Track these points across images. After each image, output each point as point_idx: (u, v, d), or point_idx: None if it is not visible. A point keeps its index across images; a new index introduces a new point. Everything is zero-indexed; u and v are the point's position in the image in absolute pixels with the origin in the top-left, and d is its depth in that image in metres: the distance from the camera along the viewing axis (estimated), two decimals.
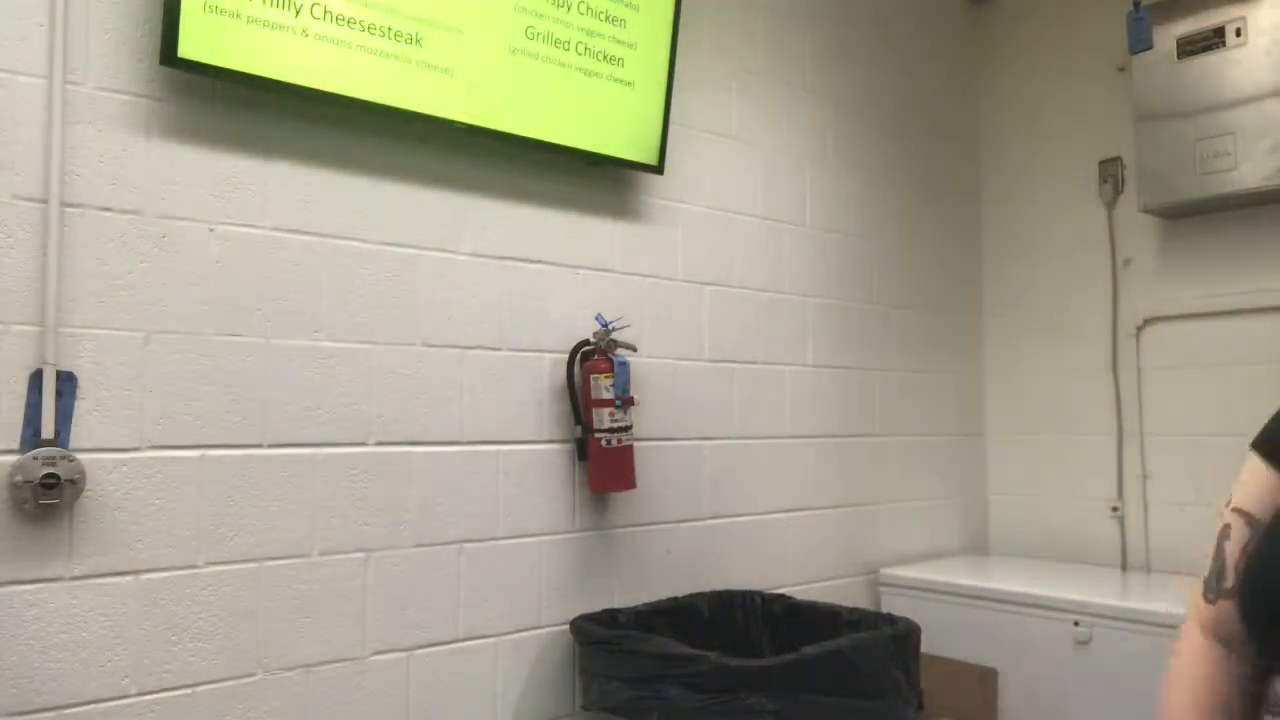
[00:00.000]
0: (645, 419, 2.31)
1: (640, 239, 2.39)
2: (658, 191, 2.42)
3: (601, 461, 2.18)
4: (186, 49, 1.64)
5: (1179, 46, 2.71)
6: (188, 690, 1.67)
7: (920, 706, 2.01)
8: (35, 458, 1.52)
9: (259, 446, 1.77)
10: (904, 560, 2.93)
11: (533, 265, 2.18)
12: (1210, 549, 1.02)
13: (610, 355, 2.19)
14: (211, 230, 1.74)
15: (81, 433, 1.58)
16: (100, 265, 1.62)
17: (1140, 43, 2.78)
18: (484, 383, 2.08)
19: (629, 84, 2.27)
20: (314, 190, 1.86)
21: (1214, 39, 2.65)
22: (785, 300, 2.71)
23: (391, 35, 1.87)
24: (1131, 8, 2.80)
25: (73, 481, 1.55)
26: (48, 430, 1.54)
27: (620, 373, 2.17)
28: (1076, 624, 2.43)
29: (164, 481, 1.67)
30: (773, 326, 2.68)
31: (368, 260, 1.93)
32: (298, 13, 1.76)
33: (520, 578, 2.11)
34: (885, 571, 2.87)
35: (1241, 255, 2.75)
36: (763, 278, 2.66)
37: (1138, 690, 2.31)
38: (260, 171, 1.80)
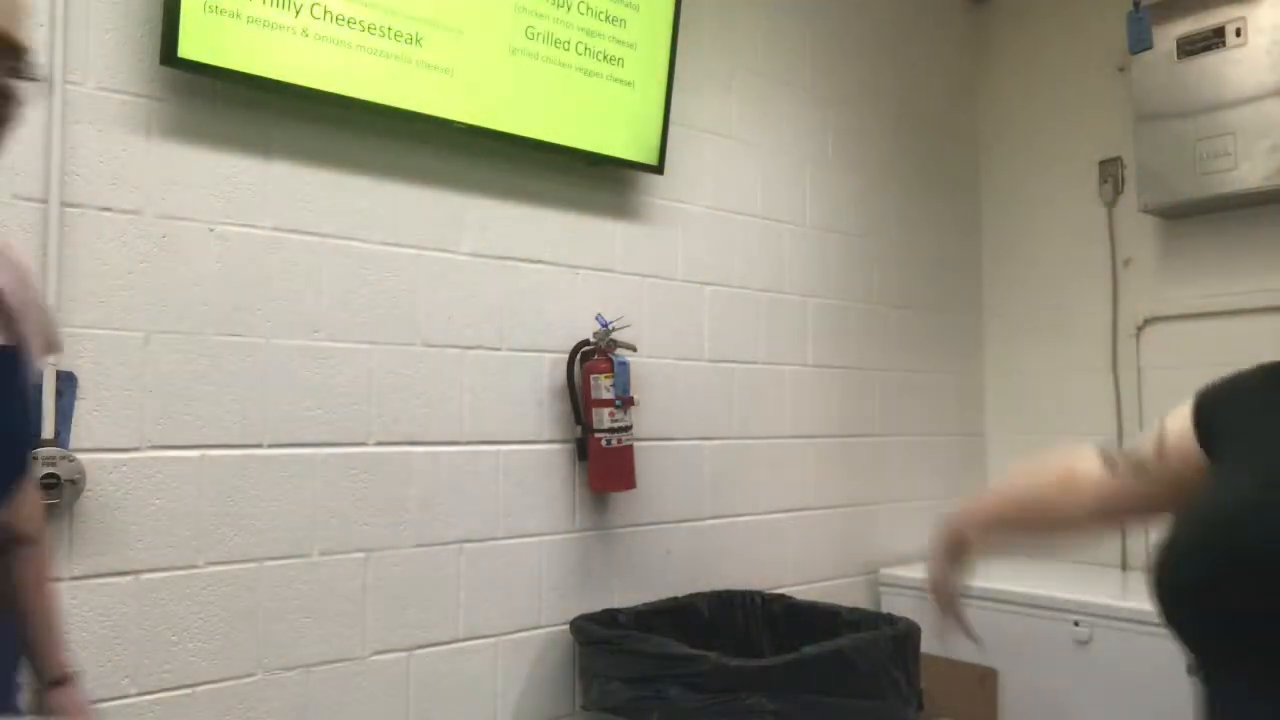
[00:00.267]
0: (645, 419, 2.31)
1: (640, 239, 2.39)
2: (658, 191, 2.42)
3: (601, 461, 2.18)
4: (186, 49, 1.64)
5: (1179, 46, 2.71)
6: (188, 690, 1.67)
7: (920, 706, 2.01)
8: (35, 458, 1.51)
9: (259, 446, 1.77)
10: (904, 560, 2.93)
11: (533, 265, 2.18)
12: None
13: (610, 355, 2.19)
14: (211, 230, 1.74)
15: (81, 433, 1.58)
16: (100, 265, 1.62)
17: (1140, 43, 2.78)
18: (484, 383, 2.08)
19: (629, 84, 2.27)
20: (314, 190, 1.86)
21: (1214, 39, 2.65)
22: (785, 300, 2.71)
23: (391, 35, 1.87)
24: (1131, 8, 2.80)
25: (73, 481, 1.55)
26: (48, 430, 1.54)
27: (620, 373, 2.17)
28: (1076, 624, 2.43)
29: (164, 481, 1.67)
30: (773, 326, 2.68)
31: (368, 260, 1.93)
32: (298, 13, 1.76)
33: (520, 578, 2.11)
34: (885, 571, 2.87)
35: (1241, 255, 2.74)
36: (763, 278, 2.66)
37: (1138, 690, 2.31)
38: (260, 171, 1.80)
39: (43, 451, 1.53)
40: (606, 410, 2.16)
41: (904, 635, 2.01)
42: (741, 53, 2.65)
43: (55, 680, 1.17)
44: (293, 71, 1.76)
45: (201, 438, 1.71)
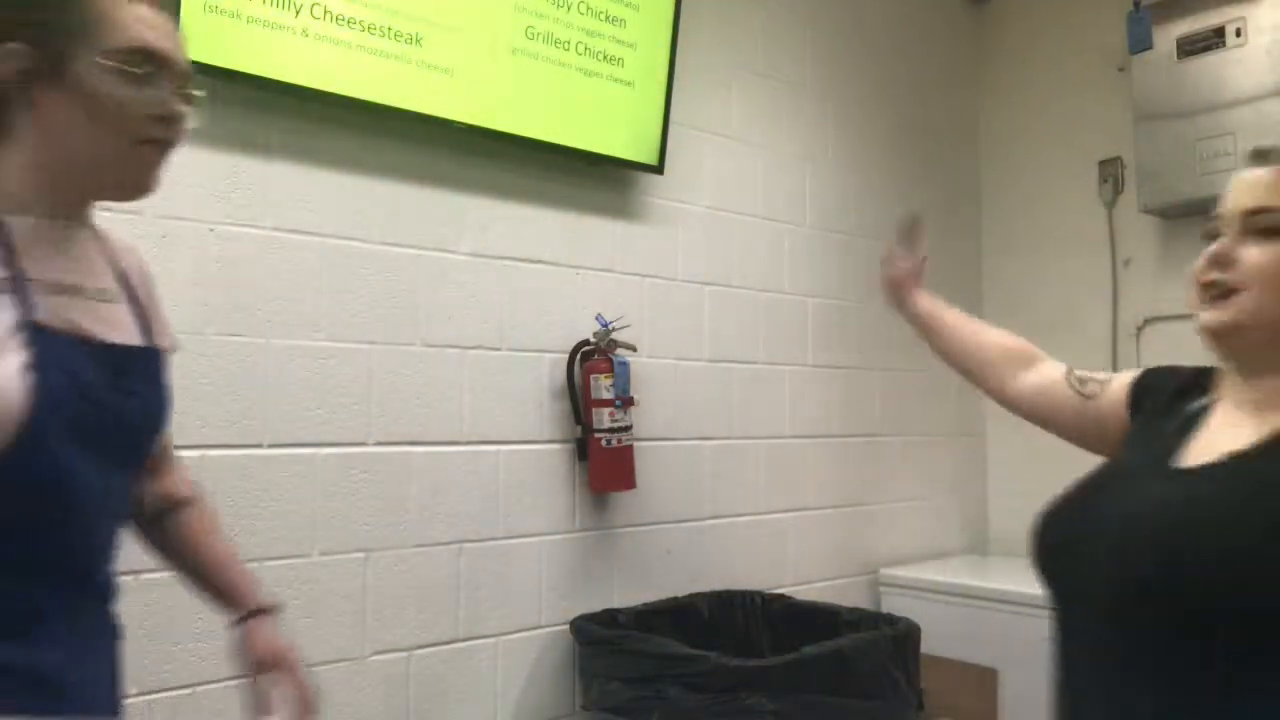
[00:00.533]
0: (645, 419, 2.31)
1: (640, 239, 2.39)
2: (658, 191, 2.42)
3: (601, 461, 2.18)
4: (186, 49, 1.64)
5: (1179, 46, 2.71)
6: (188, 690, 1.67)
7: (920, 706, 2.02)
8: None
9: (259, 446, 1.77)
10: (904, 560, 2.93)
11: (533, 265, 2.18)
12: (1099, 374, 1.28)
13: (610, 355, 2.19)
14: (211, 230, 1.74)
15: None
16: None
17: (1140, 43, 2.78)
18: (484, 383, 2.08)
19: (629, 84, 2.27)
20: (314, 190, 1.86)
21: (1214, 39, 2.65)
22: (785, 300, 2.71)
23: (391, 35, 1.87)
24: (1131, 8, 2.80)
25: None
26: None
27: (620, 373, 2.18)
28: None
29: None
30: (773, 326, 2.68)
31: (368, 260, 1.93)
32: (298, 13, 1.76)
33: (520, 578, 2.11)
34: (885, 571, 2.87)
35: None
36: (763, 278, 2.66)
37: None
38: (260, 171, 1.80)
39: None
40: (606, 410, 2.16)
41: (904, 635, 2.01)
42: (741, 53, 2.65)
43: (250, 614, 1.24)
44: (293, 71, 1.76)
45: (201, 438, 1.70)
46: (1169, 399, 1.12)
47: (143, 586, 1.64)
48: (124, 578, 1.62)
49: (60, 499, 0.95)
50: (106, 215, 1.62)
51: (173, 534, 1.23)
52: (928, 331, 1.53)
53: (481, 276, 2.09)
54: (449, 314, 2.04)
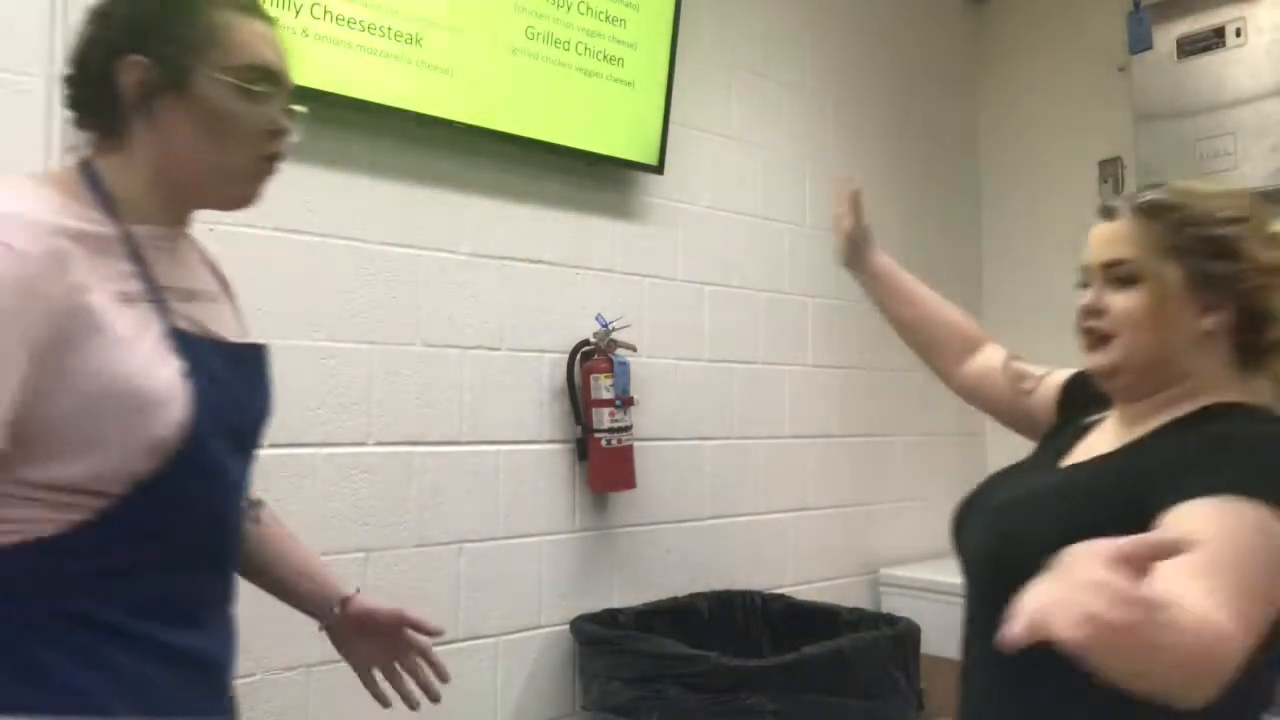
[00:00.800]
0: (645, 419, 2.31)
1: (640, 239, 2.39)
2: (658, 191, 2.42)
3: (601, 461, 2.18)
4: None
5: (1179, 46, 2.71)
6: None
7: (920, 706, 2.02)
8: None
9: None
10: (904, 560, 2.93)
11: (533, 265, 2.18)
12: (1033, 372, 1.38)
13: (610, 355, 2.19)
14: (211, 230, 1.73)
15: None
16: None
17: (1140, 43, 2.78)
18: (484, 383, 2.08)
19: (629, 84, 2.27)
20: (314, 190, 1.86)
21: (1214, 39, 2.65)
22: (785, 300, 2.71)
23: (392, 35, 1.87)
24: (1131, 8, 2.80)
25: None
26: None
27: (620, 373, 2.18)
28: None
29: None
30: (773, 326, 2.68)
31: (368, 260, 1.93)
32: (298, 13, 1.76)
33: (520, 578, 2.11)
34: (885, 571, 2.87)
35: None
36: (763, 278, 2.66)
37: None
38: None
39: None
40: (606, 410, 2.16)
41: (904, 635, 2.01)
42: (741, 53, 2.65)
43: (344, 600, 1.29)
44: (292, 71, 1.75)
45: None
46: (1086, 403, 1.22)
47: None
48: None
49: (216, 494, 1.02)
50: None
51: (253, 534, 1.23)
52: (884, 292, 1.58)
53: (481, 276, 2.09)
54: (449, 314, 2.04)
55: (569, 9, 2.15)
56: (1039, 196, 3.21)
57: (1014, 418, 1.40)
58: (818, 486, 2.76)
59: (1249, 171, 2.58)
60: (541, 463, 2.16)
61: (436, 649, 1.96)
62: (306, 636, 1.40)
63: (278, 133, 1.03)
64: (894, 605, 2.74)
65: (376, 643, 1.30)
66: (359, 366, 1.90)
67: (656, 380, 2.38)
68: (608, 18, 2.22)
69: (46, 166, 1.57)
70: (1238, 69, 2.61)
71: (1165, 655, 0.67)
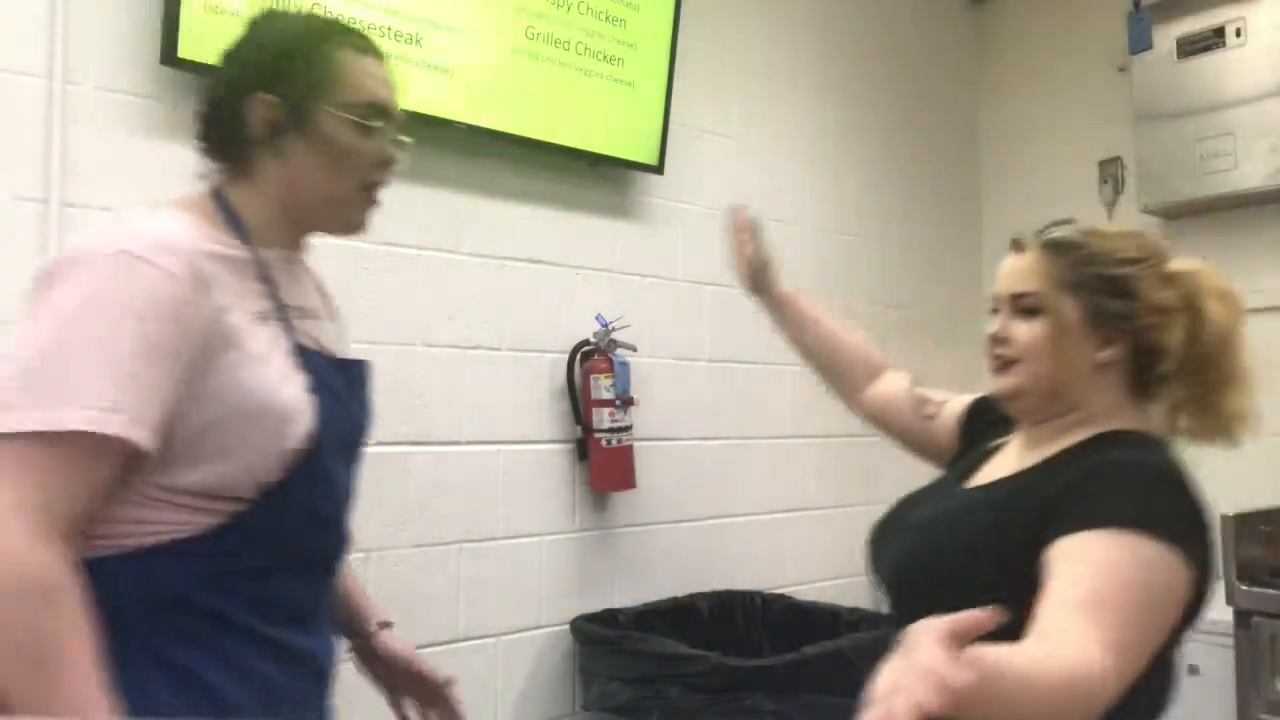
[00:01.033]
0: (645, 419, 2.31)
1: (640, 239, 2.38)
2: (658, 191, 2.42)
3: (601, 461, 2.18)
4: (186, 49, 1.64)
5: (1179, 46, 2.71)
6: None
7: None
8: None
9: None
10: None
11: (533, 265, 2.18)
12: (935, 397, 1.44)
13: (610, 355, 2.19)
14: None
15: None
16: None
17: (1140, 43, 2.78)
18: (484, 383, 2.08)
19: (629, 84, 2.27)
20: None
21: (1214, 39, 2.65)
22: None
23: (392, 35, 1.87)
24: (1131, 8, 2.80)
25: None
26: None
27: (620, 373, 2.18)
28: None
29: None
30: (772, 326, 2.67)
31: (368, 260, 1.93)
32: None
33: (520, 578, 2.11)
34: None
35: (1241, 255, 2.74)
36: None
37: None
38: None
39: None
40: (606, 410, 2.16)
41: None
42: (741, 53, 2.65)
43: (381, 626, 1.34)
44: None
45: None
46: (989, 427, 1.28)
47: None
48: None
49: (330, 502, 1.09)
50: (106, 215, 1.63)
51: None
52: (787, 320, 1.60)
53: (481, 276, 2.09)
54: (449, 314, 2.04)
55: (569, 9, 2.15)
56: (1039, 196, 3.21)
57: (918, 443, 1.46)
58: (818, 486, 2.76)
59: (1249, 171, 2.58)
60: (541, 463, 2.16)
61: (437, 648, 1.97)
62: None
63: (386, 163, 1.12)
64: None
65: (399, 677, 1.34)
66: None
67: (656, 380, 2.38)
68: (608, 18, 2.22)
69: (47, 166, 1.57)
70: (1238, 69, 2.61)
71: (1024, 706, 0.77)
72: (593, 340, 2.21)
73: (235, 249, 1.04)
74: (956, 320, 3.25)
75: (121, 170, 1.65)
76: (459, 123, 1.98)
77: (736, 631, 2.34)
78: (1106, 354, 1.10)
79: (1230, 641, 2.12)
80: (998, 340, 1.15)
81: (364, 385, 1.20)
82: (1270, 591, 2.07)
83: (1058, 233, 1.15)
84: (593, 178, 2.28)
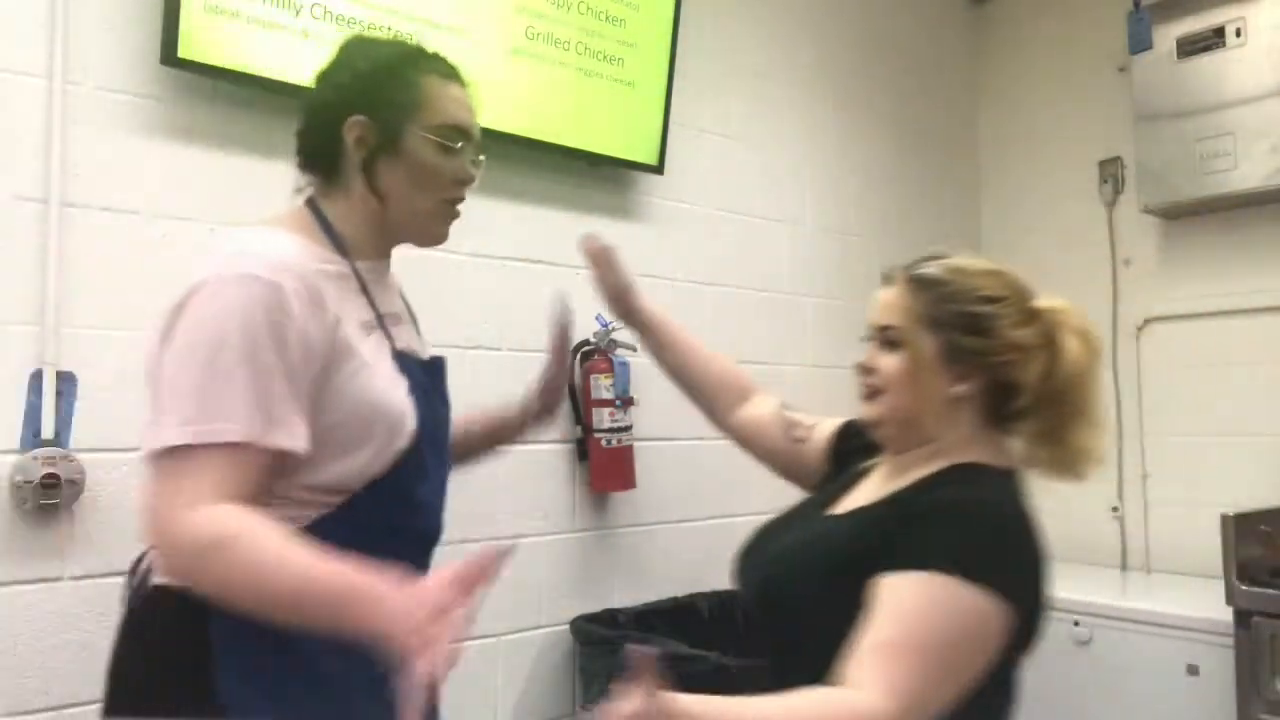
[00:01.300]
0: (645, 419, 2.31)
1: (640, 239, 2.38)
2: (658, 191, 2.42)
3: (601, 461, 2.18)
4: (186, 49, 1.64)
5: (1179, 46, 2.71)
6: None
7: None
8: (35, 458, 1.52)
9: None
10: None
11: (533, 265, 2.18)
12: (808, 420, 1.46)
13: (610, 355, 2.19)
14: (212, 230, 1.74)
15: (81, 433, 1.58)
16: (100, 265, 1.62)
17: (1140, 43, 2.78)
18: (484, 383, 2.08)
19: (629, 84, 2.27)
20: None
21: (1214, 39, 2.65)
22: (785, 300, 2.71)
23: (391, 35, 1.87)
24: (1131, 8, 2.80)
25: (73, 481, 1.55)
26: (48, 430, 1.54)
27: (620, 373, 2.18)
28: (1076, 624, 2.43)
29: None
30: (773, 326, 2.68)
31: None
32: (298, 13, 1.76)
33: (520, 578, 2.11)
34: None
35: (1241, 255, 2.74)
36: (763, 278, 2.66)
37: (1138, 690, 2.31)
38: (260, 171, 1.80)
39: (43, 451, 1.53)
40: (606, 410, 2.16)
41: None
42: (741, 53, 2.65)
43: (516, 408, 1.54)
44: (293, 71, 1.76)
45: None
46: (857, 450, 1.31)
47: None
48: (123, 578, 1.62)
49: (427, 491, 1.19)
50: (106, 215, 1.63)
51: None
52: (654, 342, 1.60)
53: (481, 276, 2.09)
54: (449, 314, 2.04)
55: (569, 9, 2.15)
56: (1039, 196, 3.22)
57: (785, 465, 1.48)
58: None
59: (1249, 171, 2.58)
60: (541, 463, 2.16)
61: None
62: None
63: (465, 181, 1.20)
64: None
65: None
66: None
67: (656, 380, 2.36)
68: (608, 18, 2.22)
69: (47, 166, 1.57)
70: (1238, 69, 2.61)
71: None
72: (593, 340, 2.21)
73: (338, 263, 1.13)
74: None
75: (121, 170, 1.65)
76: None
77: (736, 631, 2.33)
78: (961, 389, 1.14)
79: (1230, 641, 2.12)
80: (864, 369, 1.20)
81: (444, 382, 1.31)
82: (1270, 591, 2.07)
83: (923, 269, 1.19)
84: (593, 178, 2.28)
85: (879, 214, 3.01)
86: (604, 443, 2.16)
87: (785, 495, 2.82)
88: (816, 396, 2.78)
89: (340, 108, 1.15)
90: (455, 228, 2.12)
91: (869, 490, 1.21)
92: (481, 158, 1.23)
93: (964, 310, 1.14)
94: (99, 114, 1.63)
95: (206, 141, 1.74)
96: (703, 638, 2.19)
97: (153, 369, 1.05)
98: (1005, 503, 1.11)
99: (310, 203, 1.19)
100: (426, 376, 1.22)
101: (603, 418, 2.16)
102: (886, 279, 1.22)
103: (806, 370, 2.76)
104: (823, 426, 1.43)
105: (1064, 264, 3.13)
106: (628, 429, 2.19)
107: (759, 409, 1.52)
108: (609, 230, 2.33)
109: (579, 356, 2.21)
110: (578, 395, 2.20)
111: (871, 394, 1.19)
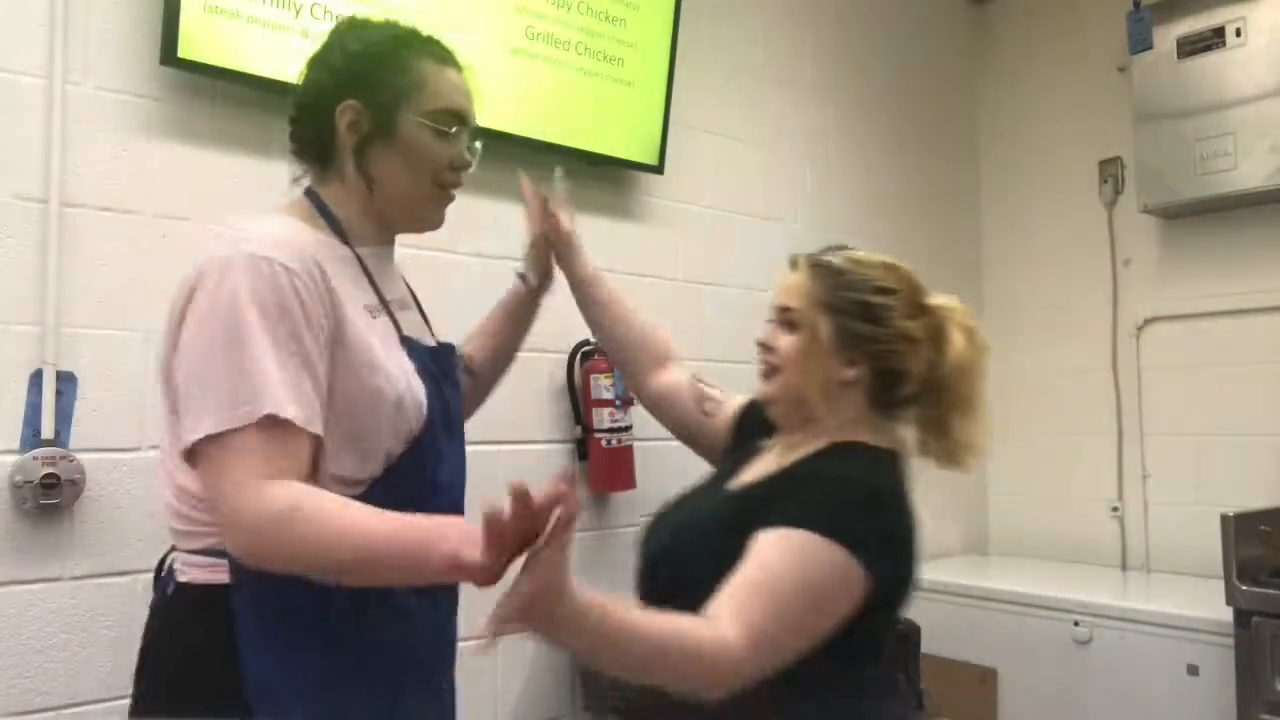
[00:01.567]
0: (645, 419, 2.30)
1: (640, 239, 2.38)
2: (658, 191, 2.42)
3: (601, 461, 2.18)
4: (186, 49, 1.64)
5: (1179, 46, 2.71)
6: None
7: (920, 706, 2.01)
8: (35, 458, 1.52)
9: None
10: None
11: None
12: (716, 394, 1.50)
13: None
14: (212, 230, 1.74)
15: (81, 433, 1.58)
16: (100, 265, 1.62)
17: (1140, 43, 2.78)
18: None
19: (629, 84, 2.27)
20: None
21: (1214, 39, 2.65)
22: None
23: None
24: (1131, 8, 2.80)
25: (73, 481, 1.55)
26: (48, 430, 1.54)
27: (620, 373, 2.17)
28: (1076, 624, 2.43)
29: None
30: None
31: None
32: (298, 13, 1.76)
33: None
34: None
35: (1241, 255, 2.74)
36: (762, 278, 2.66)
37: (1138, 690, 2.31)
38: (260, 171, 1.80)
39: (43, 451, 1.53)
40: (606, 410, 2.16)
41: (904, 635, 2.01)
42: (741, 53, 2.65)
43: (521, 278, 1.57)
44: (293, 71, 1.75)
45: None
46: (758, 428, 1.35)
47: (143, 586, 1.63)
48: (123, 578, 1.62)
49: (443, 470, 1.18)
50: (106, 215, 1.63)
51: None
52: (588, 298, 1.61)
53: (481, 276, 2.09)
54: (449, 314, 2.04)
55: (569, 9, 2.15)
56: (1039, 196, 3.22)
57: (693, 436, 1.52)
58: None
59: (1249, 171, 2.58)
60: (541, 463, 2.16)
61: None
62: None
63: (461, 167, 1.20)
64: None
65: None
66: None
67: None
68: (608, 18, 2.22)
69: (47, 166, 1.57)
70: (1238, 69, 2.61)
71: (626, 652, 0.99)
72: (593, 340, 2.21)
73: (339, 249, 1.12)
74: None
75: (121, 170, 1.65)
76: None
77: None
78: (851, 373, 1.20)
79: (1230, 641, 2.12)
80: (764, 347, 1.27)
81: (454, 368, 1.30)
82: (1270, 591, 2.07)
83: (826, 257, 1.25)
84: (593, 178, 2.28)
85: (879, 214, 3.00)
86: (604, 443, 2.16)
87: None
88: None
89: (333, 91, 1.13)
90: (455, 228, 2.12)
91: (763, 467, 1.26)
92: (478, 144, 1.22)
93: (859, 298, 1.20)
94: (99, 114, 1.63)
95: (206, 141, 1.74)
96: None
97: (169, 355, 1.05)
98: (876, 476, 1.18)
99: (309, 191, 1.18)
100: (434, 362, 1.21)
101: (603, 418, 2.16)
102: (792, 263, 1.28)
103: None
104: (730, 403, 1.48)
105: (1064, 264, 3.13)
106: (628, 429, 2.19)
107: (674, 376, 1.55)
108: (609, 230, 2.33)
109: (579, 357, 2.21)
110: (578, 395, 2.20)
111: (770, 372, 1.26)
